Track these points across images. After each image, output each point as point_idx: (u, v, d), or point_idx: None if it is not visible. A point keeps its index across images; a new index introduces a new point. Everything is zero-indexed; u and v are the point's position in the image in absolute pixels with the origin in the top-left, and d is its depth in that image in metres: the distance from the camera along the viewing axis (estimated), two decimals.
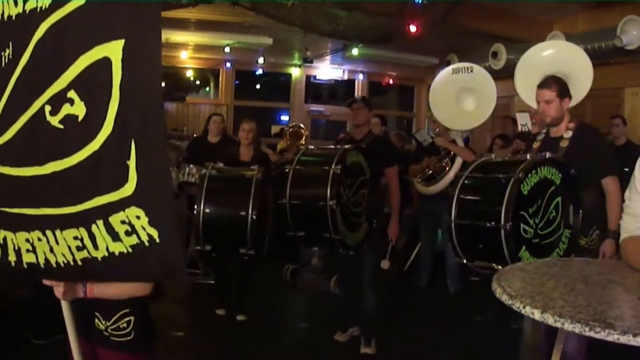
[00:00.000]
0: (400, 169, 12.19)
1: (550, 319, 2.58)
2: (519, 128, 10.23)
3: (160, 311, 8.75)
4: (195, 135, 14.11)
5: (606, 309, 2.72)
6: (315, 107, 19.65)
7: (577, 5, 12.84)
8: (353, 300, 8.08)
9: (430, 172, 10.12)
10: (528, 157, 5.83)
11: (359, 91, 19.97)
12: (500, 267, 5.21)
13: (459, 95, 9.47)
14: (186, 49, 17.71)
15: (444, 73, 9.80)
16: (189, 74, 19.39)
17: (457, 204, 5.91)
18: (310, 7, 11.69)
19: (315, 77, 20.01)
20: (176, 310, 9.19)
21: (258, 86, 20.79)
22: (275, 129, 18.14)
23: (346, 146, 7.29)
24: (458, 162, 9.53)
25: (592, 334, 2.42)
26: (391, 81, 20.02)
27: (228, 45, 16.26)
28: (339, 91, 20.99)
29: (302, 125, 14.94)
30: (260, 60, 17.76)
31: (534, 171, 5.56)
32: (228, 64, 18.94)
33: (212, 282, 9.63)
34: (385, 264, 7.90)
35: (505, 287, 3.01)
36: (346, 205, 7.02)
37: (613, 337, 2.37)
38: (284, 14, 11.93)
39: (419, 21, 11.62)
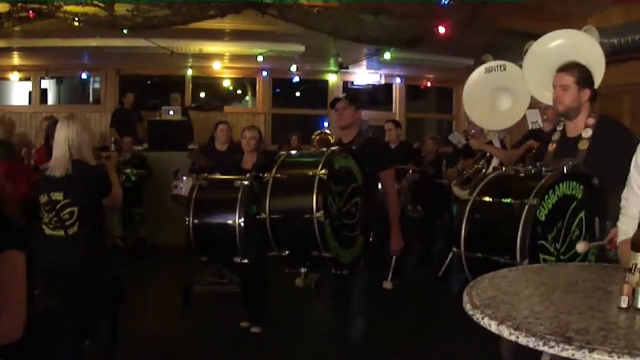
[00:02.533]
0: (434, 172, 12.14)
1: (505, 331, 2.49)
2: (530, 126, 9.85)
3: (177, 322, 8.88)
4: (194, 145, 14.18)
5: (573, 320, 2.59)
6: None
7: None
8: (344, 327, 7.04)
9: (467, 175, 9.89)
10: (543, 170, 5.11)
11: (396, 95, 19.94)
12: None
13: (494, 95, 9.13)
14: (220, 59, 17.82)
15: (477, 73, 9.43)
16: (226, 83, 19.40)
17: (466, 232, 5.19)
18: (337, 13, 11.70)
19: (352, 82, 19.89)
20: (199, 321, 9.08)
21: (298, 94, 20.70)
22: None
23: (333, 148, 6.33)
24: (494, 164, 9.14)
25: (545, 348, 2.31)
26: (429, 84, 19.91)
27: (261, 54, 16.29)
28: (378, 96, 20.92)
29: (328, 132, 14.83)
30: (293, 68, 17.72)
31: (550, 191, 4.86)
32: (264, 73, 18.96)
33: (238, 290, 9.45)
34: (387, 285, 7.27)
35: (473, 297, 2.95)
36: (336, 217, 6.04)
37: (567, 352, 2.24)
38: (312, 20, 11.95)
39: (448, 22, 11.52)
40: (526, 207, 4.71)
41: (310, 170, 5.90)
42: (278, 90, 19.97)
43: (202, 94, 20.34)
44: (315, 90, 20.27)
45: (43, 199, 5.88)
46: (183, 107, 17.46)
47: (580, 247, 4.70)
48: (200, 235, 7.24)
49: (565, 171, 4.98)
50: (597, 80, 6.37)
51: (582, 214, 5.02)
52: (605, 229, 4.99)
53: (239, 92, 20.88)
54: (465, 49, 15.07)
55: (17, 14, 11.71)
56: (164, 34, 13.68)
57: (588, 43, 7.28)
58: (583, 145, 5.43)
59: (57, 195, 5.82)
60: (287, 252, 6.09)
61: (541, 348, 2.31)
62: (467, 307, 2.85)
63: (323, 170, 5.82)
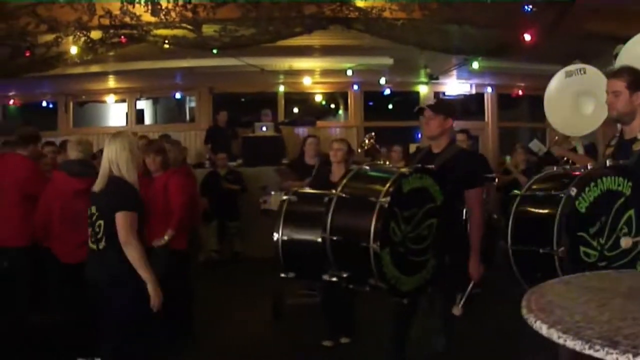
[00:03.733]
0: (526, 181, 12.03)
1: (554, 335, 2.52)
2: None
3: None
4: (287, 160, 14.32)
5: (625, 325, 2.56)
6: None
7: None
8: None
9: None
10: (588, 167, 5.12)
11: (488, 105, 19.88)
12: None
13: (576, 100, 8.70)
14: (311, 74, 18.02)
15: (557, 78, 9.04)
16: (319, 98, 19.57)
17: (512, 226, 5.21)
18: (422, 25, 11.75)
19: (443, 93, 19.82)
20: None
21: (390, 106, 20.73)
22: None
23: (403, 169, 5.85)
24: None
25: (591, 352, 2.33)
26: (520, 92, 19.73)
27: (350, 68, 16.44)
28: (471, 106, 20.78)
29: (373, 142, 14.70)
30: (382, 80, 17.82)
31: (592, 184, 4.82)
32: (355, 86, 19.05)
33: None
34: (456, 310, 6.36)
35: (531, 301, 2.98)
36: (401, 244, 5.68)
37: (612, 356, 2.26)
38: (397, 33, 12.05)
39: (533, 30, 11.46)
40: (564, 197, 4.73)
41: (374, 195, 5.54)
42: (371, 103, 20.05)
43: (295, 110, 20.56)
44: (407, 102, 20.15)
45: (88, 213, 6.05)
46: (276, 123, 17.70)
47: (624, 242, 4.86)
48: (288, 251, 6.84)
49: (607, 165, 5.03)
50: None
51: (631, 212, 4.94)
52: None
53: (331, 106, 21.00)
54: (554, 55, 14.85)
55: (109, 40, 12.08)
56: (254, 52, 13.83)
57: None
58: (637, 146, 5.33)
59: (93, 209, 5.98)
60: (347, 274, 5.84)
61: (587, 352, 2.32)
62: (524, 311, 2.88)
63: (385, 198, 5.45)
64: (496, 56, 14.07)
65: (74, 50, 12.19)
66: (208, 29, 11.72)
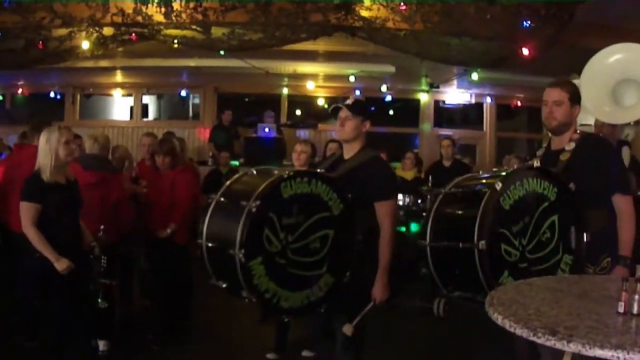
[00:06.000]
0: None
1: (507, 324, 2.96)
2: None
3: None
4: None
5: (569, 319, 3.01)
6: (444, 132, 19.75)
7: None
8: None
9: None
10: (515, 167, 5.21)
11: (487, 114, 20.28)
12: (479, 298, 4.49)
13: (616, 87, 7.99)
14: (314, 79, 18.41)
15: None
16: (321, 102, 19.88)
17: (432, 223, 5.08)
18: (423, 36, 12.01)
19: (444, 102, 20.19)
20: None
21: (391, 112, 21.00)
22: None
23: (286, 172, 5.26)
24: None
25: (535, 338, 2.77)
26: (519, 103, 20.01)
27: (353, 74, 16.80)
28: (470, 115, 21.07)
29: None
30: (384, 87, 18.20)
31: (518, 182, 4.81)
32: (357, 92, 19.23)
33: None
34: (347, 329, 5.51)
35: (494, 297, 3.43)
36: (281, 254, 5.10)
37: (550, 342, 2.69)
38: (400, 43, 12.33)
39: (531, 44, 11.73)
40: (489, 192, 4.70)
41: (245, 198, 5.00)
42: (372, 109, 20.32)
43: (298, 112, 20.88)
44: (407, 109, 20.55)
45: None
46: (278, 125, 18.05)
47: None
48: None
49: (533, 166, 5.13)
50: None
51: (554, 218, 4.98)
52: (581, 240, 5.04)
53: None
54: (552, 68, 15.18)
55: (120, 37, 12.40)
56: (259, 54, 14.19)
57: None
58: (564, 157, 5.30)
59: None
60: (225, 284, 5.28)
61: (531, 338, 2.78)
62: (487, 305, 3.28)
63: (255, 202, 4.91)
64: (495, 68, 14.34)
65: (85, 45, 12.47)
66: (217, 31, 11.99)
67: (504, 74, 16.30)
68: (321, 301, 5.39)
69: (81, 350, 7.29)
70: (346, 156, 5.88)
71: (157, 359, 8.02)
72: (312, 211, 5.25)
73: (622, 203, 5.14)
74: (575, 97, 5.36)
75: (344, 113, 5.75)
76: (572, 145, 5.30)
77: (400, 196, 10.94)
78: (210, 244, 5.27)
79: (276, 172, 5.38)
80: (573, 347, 2.62)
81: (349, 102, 5.88)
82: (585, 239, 5.05)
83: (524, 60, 12.21)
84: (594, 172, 5.14)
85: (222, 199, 5.35)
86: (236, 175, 5.71)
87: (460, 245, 4.67)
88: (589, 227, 5.07)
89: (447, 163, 12.21)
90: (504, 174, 4.98)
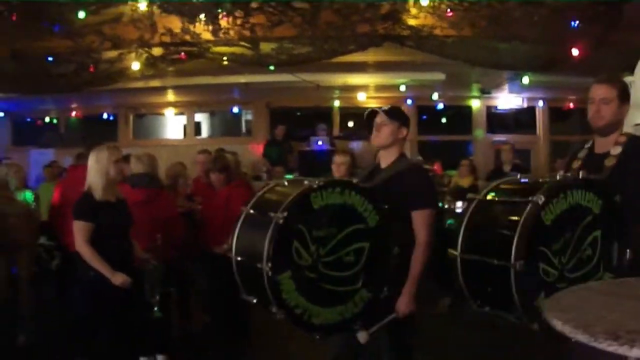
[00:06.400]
0: None
1: (567, 330, 2.81)
2: None
3: None
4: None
5: (631, 323, 2.83)
6: (498, 137, 19.62)
7: None
8: None
9: None
10: (558, 177, 4.62)
11: (540, 118, 20.07)
12: (512, 318, 4.38)
13: None
14: (365, 90, 18.47)
15: None
16: None
17: (465, 233, 4.67)
18: (471, 42, 11.95)
19: (496, 107, 20.04)
20: None
21: (444, 120, 20.92)
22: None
23: (316, 182, 4.94)
24: None
25: (595, 344, 2.62)
26: (572, 105, 19.80)
27: (403, 83, 16.79)
28: (522, 119, 20.88)
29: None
30: (435, 95, 18.16)
31: (561, 195, 4.35)
32: (409, 101, 19.30)
33: None
34: (362, 336, 5.16)
35: (553, 303, 3.27)
36: (312, 269, 4.83)
37: (612, 347, 2.56)
38: (448, 50, 12.28)
39: (580, 44, 11.61)
40: (529, 205, 4.27)
41: (273, 210, 4.76)
42: (425, 117, 20.31)
43: (350, 124, 20.88)
44: (460, 116, 20.44)
45: None
46: (331, 137, 18.08)
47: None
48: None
49: (580, 176, 4.55)
50: None
51: (597, 233, 4.50)
52: (624, 258, 4.56)
53: None
54: (604, 68, 14.95)
55: (170, 57, 12.51)
56: (309, 68, 14.21)
57: None
58: (610, 162, 4.87)
59: None
60: (255, 299, 5.07)
61: (592, 344, 2.63)
62: (545, 311, 3.14)
63: (282, 213, 4.67)
64: (545, 71, 14.22)
65: (135, 66, 12.60)
66: (265, 47, 12.03)
67: (555, 77, 16.12)
68: (356, 318, 5.08)
69: None
70: (383, 165, 5.65)
71: None
72: (345, 223, 4.99)
73: None
74: (624, 95, 4.93)
75: (380, 118, 5.52)
76: (619, 149, 4.89)
77: (459, 203, 10.81)
78: (239, 258, 5.11)
79: (306, 182, 5.01)
80: (636, 352, 2.52)
81: (385, 108, 5.61)
82: (628, 256, 4.57)
83: (574, 61, 12.09)
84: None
85: (251, 211, 5.17)
86: (268, 186, 5.50)
87: (495, 262, 4.33)
88: (633, 243, 4.58)
89: (507, 168, 12.12)
90: (546, 182, 4.55)
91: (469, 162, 14.03)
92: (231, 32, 11.44)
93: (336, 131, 19.53)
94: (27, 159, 18.64)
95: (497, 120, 20.54)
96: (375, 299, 5.11)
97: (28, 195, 10.32)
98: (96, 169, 6.62)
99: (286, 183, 5.41)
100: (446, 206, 10.91)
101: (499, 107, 20.14)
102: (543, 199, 4.23)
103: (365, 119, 5.68)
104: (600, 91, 4.94)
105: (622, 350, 2.55)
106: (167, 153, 17.03)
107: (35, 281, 9.52)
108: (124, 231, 6.81)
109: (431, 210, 5.46)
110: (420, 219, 5.34)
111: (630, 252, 4.55)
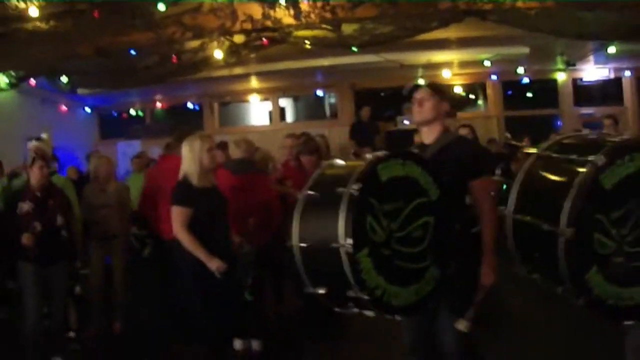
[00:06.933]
0: None
1: None
2: None
3: None
4: None
5: None
6: (585, 111, 19.32)
7: None
8: None
9: None
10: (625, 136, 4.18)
11: (627, 89, 19.59)
12: (560, 291, 4.10)
13: None
14: (449, 67, 18.26)
15: None
16: (458, 90, 19.73)
17: (519, 191, 4.42)
18: (555, 13, 11.78)
19: (581, 79, 19.67)
20: None
21: (529, 95, 20.67)
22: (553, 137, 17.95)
23: (379, 154, 4.71)
24: None
25: None
26: None
27: (487, 59, 16.61)
28: (610, 91, 20.46)
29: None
30: (520, 69, 17.96)
31: (627, 157, 3.89)
32: (494, 76, 19.27)
33: None
34: (461, 324, 5.00)
35: None
36: (386, 245, 4.48)
37: None
38: (532, 22, 12.11)
39: None
40: (588, 165, 3.90)
41: (341, 184, 4.40)
42: (510, 92, 20.10)
43: None
44: (546, 90, 20.13)
45: None
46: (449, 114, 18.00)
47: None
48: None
49: None
50: None
51: None
52: None
53: (471, 97, 21.10)
54: None
55: (252, 43, 12.57)
56: (392, 47, 14.21)
57: None
58: None
59: None
60: (324, 290, 4.62)
61: None
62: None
63: (355, 185, 4.34)
64: (631, 39, 13.94)
65: (218, 54, 12.72)
66: (347, 28, 12.01)
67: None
68: (430, 296, 4.78)
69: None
70: (427, 141, 5.42)
71: (311, 357, 8.11)
72: (411, 196, 4.69)
73: None
74: None
75: (420, 94, 5.38)
76: None
77: None
78: (304, 244, 4.59)
79: (368, 156, 4.78)
80: None
81: (424, 82, 5.47)
82: None
83: None
84: None
85: (311, 193, 4.73)
86: (321, 169, 5.09)
87: (545, 227, 3.99)
88: None
89: None
90: (612, 142, 4.06)
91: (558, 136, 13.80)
92: (312, 16, 11.45)
93: None
94: (115, 151, 19.03)
95: (583, 93, 20.19)
96: (444, 275, 4.86)
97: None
98: (190, 158, 6.76)
99: (343, 162, 5.07)
100: None
101: (584, 79, 19.78)
102: (604, 159, 3.87)
103: (406, 97, 5.55)
104: None
105: None
106: (253, 139, 17.24)
107: (129, 270, 9.70)
108: (220, 217, 6.90)
109: (489, 177, 5.45)
110: (480, 187, 5.17)
111: None
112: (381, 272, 4.40)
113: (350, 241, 4.19)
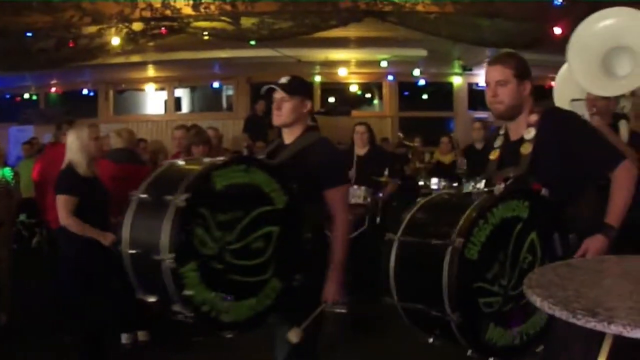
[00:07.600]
0: None
1: (546, 306, 2.77)
2: None
3: None
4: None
5: (609, 300, 2.87)
6: (479, 114, 19.60)
7: None
8: None
9: None
10: (472, 195, 4.20)
11: None
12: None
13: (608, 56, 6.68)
14: (346, 65, 18.36)
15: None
16: (354, 88, 19.83)
17: (395, 279, 4.22)
18: (454, 18, 11.93)
19: (477, 84, 19.90)
20: None
21: (425, 96, 20.90)
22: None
23: (218, 159, 4.40)
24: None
25: (574, 320, 2.60)
26: (553, 84, 19.73)
27: (384, 59, 16.74)
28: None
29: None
30: (417, 72, 18.12)
31: (481, 221, 3.92)
32: (390, 77, 19.33)
33: None
34: (293, 335, 4.53)
35: (532, 279, 3.18)
36: (218, 258, 4.13)
37: (591, 324, 2.54)
38: (430, 26, 12.26)
39: (564, 23, 11.59)
40: (449, 249, 3.86)
41: (171, 192, 4.03)
42: (406, 93, 20.29)
43: (331, 99, 20.82)
44: (441, 92, 20.40)
45: None
46: (311, 113, 18.00)
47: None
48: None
49: (496, 195, 4.08)
50: None
51: (533, 236, 4.13)
52: (567, 244, 4.22)
53: (367, 96, 21.23)
54: None
55: (150, 32, 12.44)
56: (290, 43, 14.19)
57: None
58: (525, 150, 4.34)
59: None
60: (154, 298, 4.21)
61: (571, 320, 2.61)
62: (524, 287, 3.08)
63: (183, 195, 3.96)
64: (527, 49, 14.19)
65: (116, 41, 12.54)
66: (246, 22, 11.99)
67: (537, 55, 16.08)
68: (269, 310, 4.41)
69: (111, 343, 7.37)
70: (287, 141, 4.92)
71: (196, 350, 8.02)
72: (251, 205, 4.30)
73: (620, 174, 4.22)
74: (522, 72, 4.43)
75: (279, 94, 4.81)
76: (532, 132, 4.35)
77: (434, 180, 10.66)
78: (132, 251, 4.19)
79: (207, 160, 4.42)
80: (614, 329, 2.53)
81: (283, 80, 4.87)
82: (571, 241, 4.23)
83: (556, 40, 12.07)
84: (563, 161, 4.28)
85: (143, 196, 4.28)
86: (161, 168, 4.67)
87: (433, 313, 3.94)
88: (571, 226, 4.26)
89: (479, 146, 12.07)
90: (461, 221, 3.97)
91: (449, 138, 13.99)
92: (212, 7, 11.41)
93: (317, 106, 19.46)
94: (7, 136, 18.53)
95: (478, 97, 20.51)
96: (288, 288, 4.47)
97: (7, 172, 10.22)
98: (77, 146, 6.61)
99: (183, 162, 4.67)
100: (421, 182, 10.88)
101: (480, 84, 20.06)
102: (461, 241, 3.83)
103: (264, 96, 5.00)
104: (494, 74, 4.42)
105: (600, 327, 2.54)
106: (147, 129, 16.94)
107: (16, 259, 9.46)
108: (104, 206, 6.79)
109: (346, 187, 5.07)
110: (337, 197, 4.76)
111: (573, 236, 4.22)
112: (211, 286, 4.08)
113: (171, 256, 3.88)
